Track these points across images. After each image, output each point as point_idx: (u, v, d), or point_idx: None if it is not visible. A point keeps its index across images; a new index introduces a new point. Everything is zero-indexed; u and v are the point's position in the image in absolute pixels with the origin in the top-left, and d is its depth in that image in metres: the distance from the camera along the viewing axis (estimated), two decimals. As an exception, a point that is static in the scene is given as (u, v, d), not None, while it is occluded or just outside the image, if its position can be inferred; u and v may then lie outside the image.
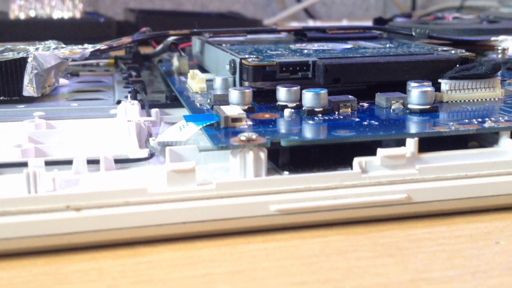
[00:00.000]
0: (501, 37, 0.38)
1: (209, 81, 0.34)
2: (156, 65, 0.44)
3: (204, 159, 0.24)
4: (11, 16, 0.76)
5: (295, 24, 0.93)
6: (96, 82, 0.39)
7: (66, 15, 0.78)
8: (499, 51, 0.37)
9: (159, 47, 0.44)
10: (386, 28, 0.40)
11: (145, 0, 1.11)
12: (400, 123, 0.24)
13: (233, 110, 0.25)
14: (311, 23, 0.96)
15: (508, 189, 0.23)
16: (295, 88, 0.27)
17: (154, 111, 0.30)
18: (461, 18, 0.51)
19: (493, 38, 0.38)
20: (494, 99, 0.28)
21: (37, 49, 0.34)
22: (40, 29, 0.72)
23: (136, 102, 0.30)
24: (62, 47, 0.34)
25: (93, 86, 0.38)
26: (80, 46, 0.34)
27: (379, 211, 0.22)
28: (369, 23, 0.96)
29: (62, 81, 0.38)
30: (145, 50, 0.48)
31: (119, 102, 0.32)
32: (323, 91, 0.26)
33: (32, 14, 0.78)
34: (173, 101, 0.33)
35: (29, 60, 0.32)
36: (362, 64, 0.28)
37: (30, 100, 0.32)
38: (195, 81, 0.33)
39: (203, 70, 0.39)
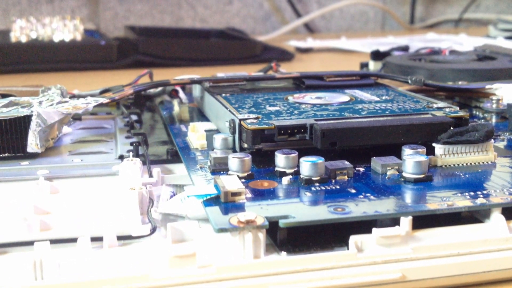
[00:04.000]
0: (495, 85, 0.38)
1: (209, 131, 0.35)
2: (157, 107, 0.45)
3: (205, 230, 0.25)
4: (13, 38, 0.77)
5: (294, 42, 0.94)
6: (98, 129, 0.40)
7: (68, 36, 0.78)
8: (493, 101, 0.37)
9: (160, 88, 0.45)
10: (382, 75, 0.41)
11: (145, 14, 1.12)
12: (395, 198, 0.25)
13: (232, 182, 0.25)
14: (310, 40, 0.96)
15: (499, 265, 0.23)
16: (293, 155, 0.28)
17: (155, 171, 0.30)
18: (457, 53, 0.52)
19: (487, 86, 0.39)
20: (487, 162, 0.29)
21: (40, 103, 0.35)
22: (41, 53, 0.73)
23: (138, 160, 0.31)
24: (65, 101, 0.35)
25: (95, 134, 0.38)
26: (83, 101, 0.35)
27: (374, 289, 0.23)
28: (367, 39, 0.97)
29: (65, 128, 0.38)
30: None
31: (121, 157, 0.33)
32: (320, 161, 0.27)
33: (34, 35, 0.79)
34: (174, 156, 0.33)
35: (33, 118, 0.32)
36: (358, 128, 0.29)
37: (34, 156, 0.33)
38: (196, 136, 0.33)
39: (203, 114, 0.40)
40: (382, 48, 0.67)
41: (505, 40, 0.87)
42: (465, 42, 0.89)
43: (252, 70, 0.58)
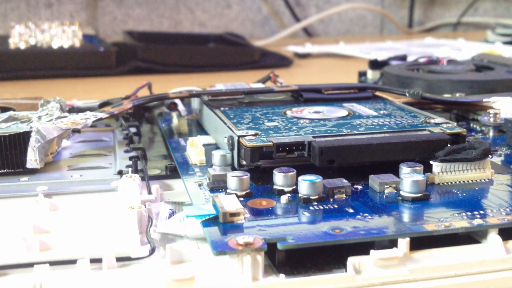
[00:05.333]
0: (492, 99, 0.39)
1: (208, 145, 0.35)
2: (156, 118, 0.45)
3: (203, 251, 0.25)
4: (11, 45, 0.77)
5: (292, 47, 0.94)
6: (97, 142, 0.40)
7: (66, 43, 0.78)
8: (491, 115, 0.37)
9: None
10: (380, 88, 0.41)
11: (144, 18, 1.12)
12: (393, 218, 0.25)
13: (231, 202, 0.26)
14: (308, 45, 0.96)
15: (495, 285, 0.23)
16: (292, 173, 0.28)
17: (154, 187, 0.31)
18: (455, 62, 0.52)
19: (485, 100, 0.39)
20: (484, 180, 0.29)
21: (39, 118, 0.35)
22: (40, 60, 0.73)
23: (137, 176, 0.31)
24: (65, 116, 0.35)
25: (94, 147, 0.39)
26: (82, 116, 0.35)
27: (372, 311, 0.23)
28: (366, 44, 0.97)
29: (64, 142, 0.39)
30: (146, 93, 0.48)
31: (120, 172, 0.33)
32: (318, 180, 0.27)
33: (32, 41, 0.79)
34: (173, 171, 0.33)
35: (32, 134, 0.33)
36: (356, 146, 0.29)
37: (33, 171, 0.33)
38: (194, 152, 0.34)
39: (202, 127, 0.40)
40: (381, 54, 0.67)
41: (503, 46, 0.87)
42: (463, 47, 0.89)
43: (250, 77, 0.59)
